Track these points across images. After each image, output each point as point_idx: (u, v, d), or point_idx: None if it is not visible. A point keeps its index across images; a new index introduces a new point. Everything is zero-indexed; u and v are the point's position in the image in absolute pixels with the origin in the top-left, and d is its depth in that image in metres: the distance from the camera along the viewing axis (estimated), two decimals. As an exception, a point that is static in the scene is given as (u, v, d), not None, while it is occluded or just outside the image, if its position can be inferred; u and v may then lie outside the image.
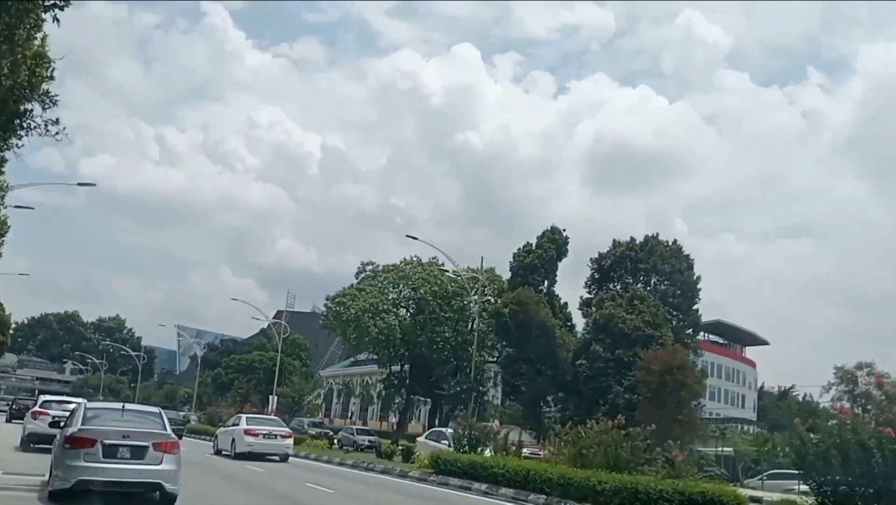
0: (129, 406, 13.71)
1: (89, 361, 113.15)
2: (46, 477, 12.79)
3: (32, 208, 30.02)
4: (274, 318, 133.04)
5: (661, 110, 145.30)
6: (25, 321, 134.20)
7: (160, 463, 11.52)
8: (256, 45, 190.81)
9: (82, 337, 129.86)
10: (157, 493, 11.63)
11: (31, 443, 21.68)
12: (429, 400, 56.52)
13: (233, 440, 27.61)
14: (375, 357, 56.18)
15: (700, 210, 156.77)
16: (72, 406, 17.58)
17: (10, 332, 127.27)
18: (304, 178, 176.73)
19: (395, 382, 54.32)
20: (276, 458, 26.83)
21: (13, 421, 38.93)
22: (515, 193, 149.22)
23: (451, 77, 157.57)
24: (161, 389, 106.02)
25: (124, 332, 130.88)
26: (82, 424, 11.85)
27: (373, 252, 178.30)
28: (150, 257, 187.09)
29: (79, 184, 28.15)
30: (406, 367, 53.79)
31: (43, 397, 27.81)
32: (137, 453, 11.41)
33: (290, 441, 28.24)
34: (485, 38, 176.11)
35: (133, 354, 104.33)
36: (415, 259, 53.72)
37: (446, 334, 51.71)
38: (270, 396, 55.97)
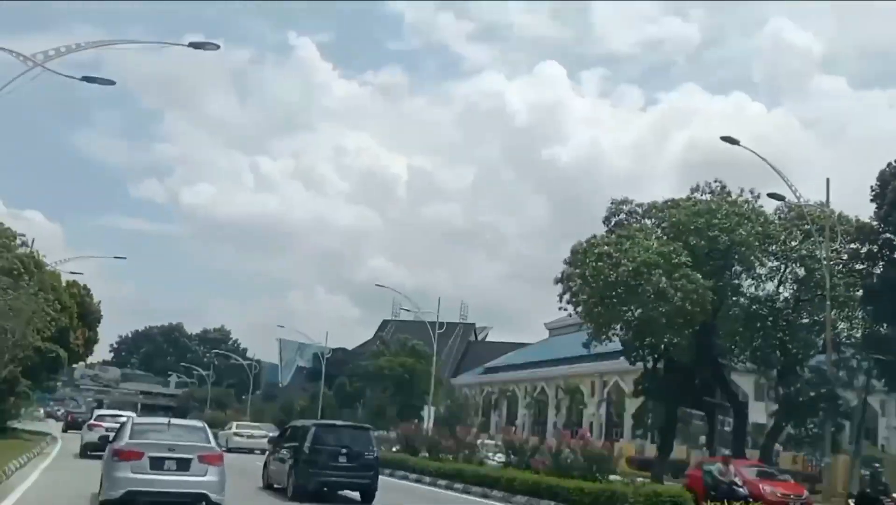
0: (174, 421, 14.00)
1: (195, 373, 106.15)
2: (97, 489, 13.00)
3: (115, 82, 23.52)
4: (380, 328, 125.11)
5: (758, 117, 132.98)
6: (129, 335, 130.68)
7: (205, 474, 12.00)
8: (343, 74, 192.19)
9: (187, 349, 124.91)
10: (203, 503, 11.99)
11: (88, 451, 24.53)
12: (699, 413, 34.36)
13: (227, 439, 35.67)
14: (633, 345, 30.18)
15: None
16: (123, 419, 18.87)
17: (114, 344, 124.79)
18: (393, 199, 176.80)
19: (652, 383, 31.71)
20: (259, 451, 32.68)
21: (69, 431, 43.26)
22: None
23: (536, 95, 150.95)
24: (270, 401, 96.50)
25: (229, 343, 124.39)
26: (130, 437, 12.36)
27: (461, 265, 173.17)
28: (249, 280, 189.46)
29: (190, 44, 18.67)
30: (660, 362, 31.11)
31: (98, 411, 35.15)
32: (183, 465, 11.95)
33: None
34: (566, 57, 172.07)
35: (244, 362, 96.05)
36: (716, 186, 32.41)
37: (777, 304, 31.65)
38: (427, 407, 45.38)
